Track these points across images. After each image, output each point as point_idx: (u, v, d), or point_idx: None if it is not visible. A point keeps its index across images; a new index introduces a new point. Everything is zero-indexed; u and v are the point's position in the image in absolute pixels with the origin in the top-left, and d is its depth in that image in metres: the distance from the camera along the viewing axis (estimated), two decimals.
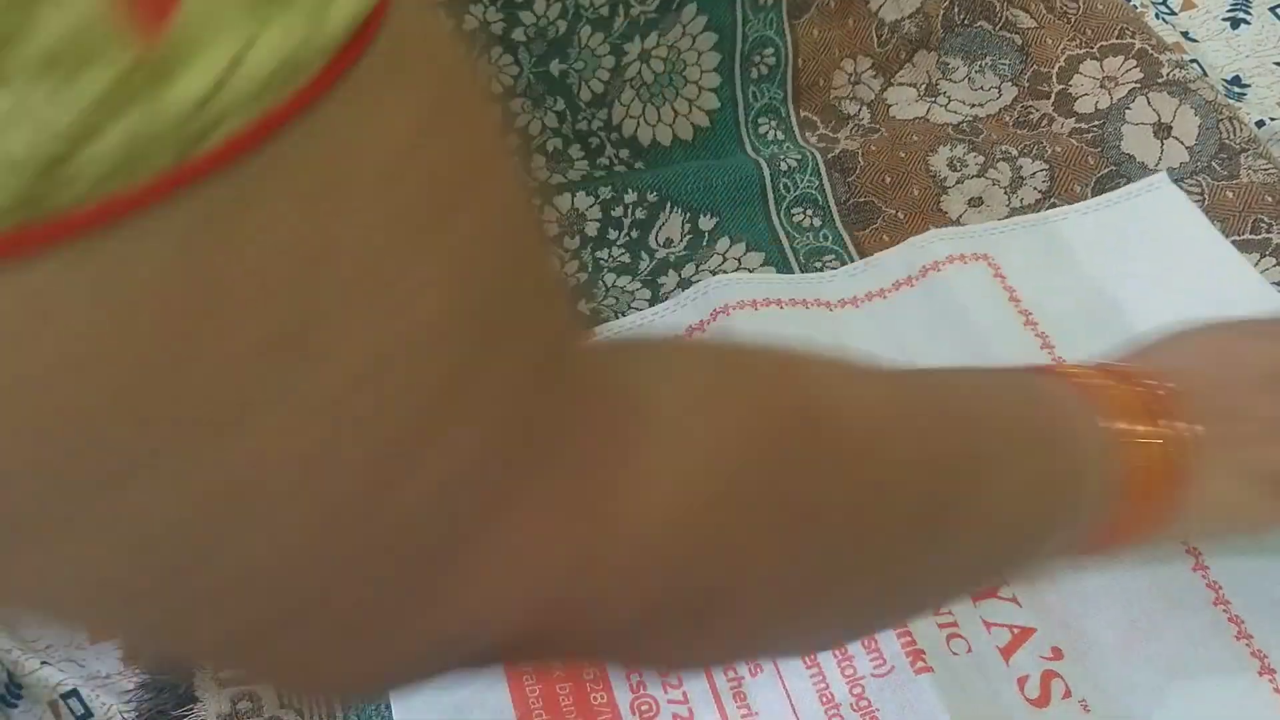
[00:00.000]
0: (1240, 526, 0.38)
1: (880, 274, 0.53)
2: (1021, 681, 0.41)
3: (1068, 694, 0.41)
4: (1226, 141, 0.54)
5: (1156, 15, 0.62)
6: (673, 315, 0.52)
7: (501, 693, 0.41)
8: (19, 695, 0.45)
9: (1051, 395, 0.33)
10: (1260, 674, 0.41)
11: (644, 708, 0.41)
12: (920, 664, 0.41)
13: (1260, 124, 0.56)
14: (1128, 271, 0.52)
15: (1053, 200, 0.55)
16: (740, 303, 0.51)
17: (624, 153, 0.57)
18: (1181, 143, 0.55)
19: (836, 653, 0.42)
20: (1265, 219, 0.52)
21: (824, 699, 0.41)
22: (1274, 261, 0.51)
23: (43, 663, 0.45)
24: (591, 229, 0.54)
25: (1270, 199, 0.52)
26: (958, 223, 0.54)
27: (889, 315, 0.52)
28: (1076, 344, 0.49)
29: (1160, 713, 0.40)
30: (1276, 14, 0.62)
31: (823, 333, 0.51)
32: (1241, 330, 0.40)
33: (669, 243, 0.54)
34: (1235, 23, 0.62)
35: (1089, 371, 0.35)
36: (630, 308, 0.52)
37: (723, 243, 0.54)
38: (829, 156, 0.56)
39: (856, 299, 0.52)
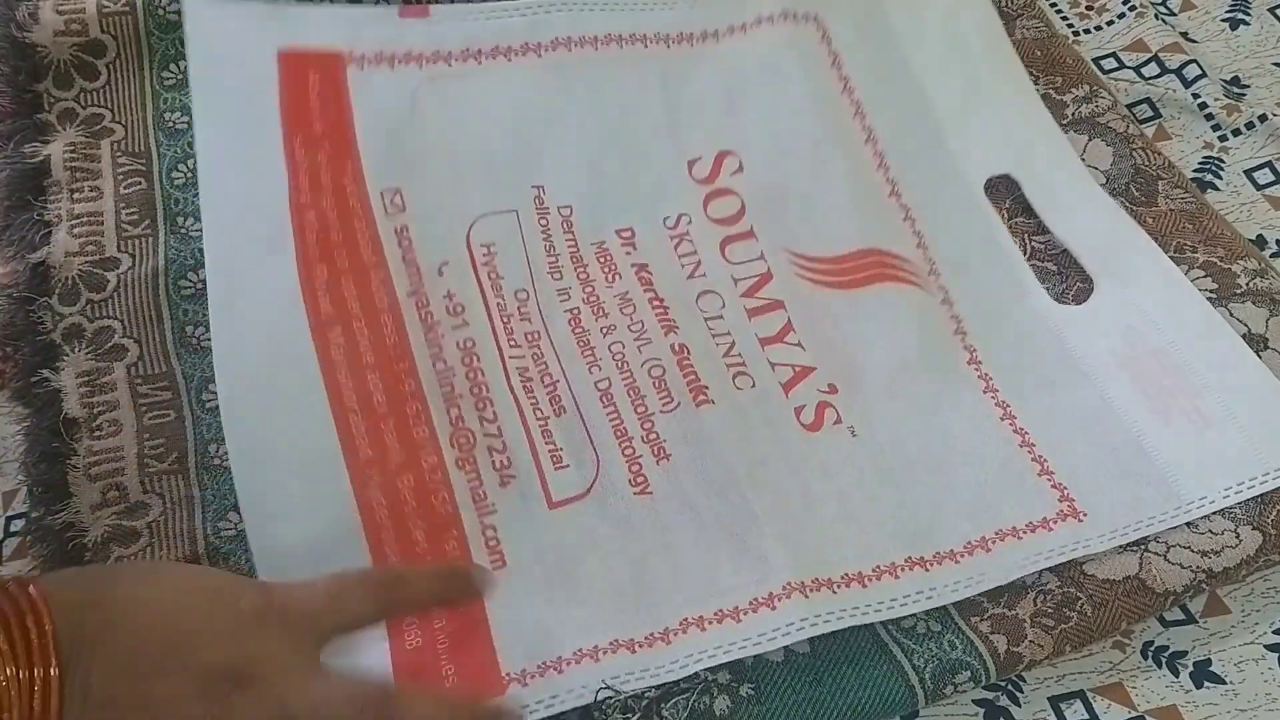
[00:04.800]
0: None
1: (720, 14, 0.56)
2: (798, 411, 0.48)
3: (838, 421, 0.48)
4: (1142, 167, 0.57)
5: (1156, 16, 0.64)
6: (510, 19, 0.53)
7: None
8: None
9: None
10: (1001, 419, 0.48)
11: (462, 440, 0.46)
12: (702, 398, 0.47)
13: (1263, 118, 0.59)
14: (937, 62, 0.57)
15: None
16: (581, 38, 0.54)
17: None
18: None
19: (630, 392, 0.47)
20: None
21: (618, 433, 0.46)
22: (1203, 273, 0.52)
23: None
24: None
25: (1190, 226, 0.54)
26: None
27: (719, 60, 0.55)
28: (887, 117, 0.55)
29: (914, 440, 0.47)
30: (1276, 14, 0.64)
31: (654, 74, 0.54)
32: (209, 583, 0.38)
33: None
34: (1234, 23, 0.64)
35: None
36: None
37: None
38: None
39: (692, 37, 0.56)
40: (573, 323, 0.49)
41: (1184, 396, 0.48)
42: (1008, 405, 0.48)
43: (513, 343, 0.48)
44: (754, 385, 0.48)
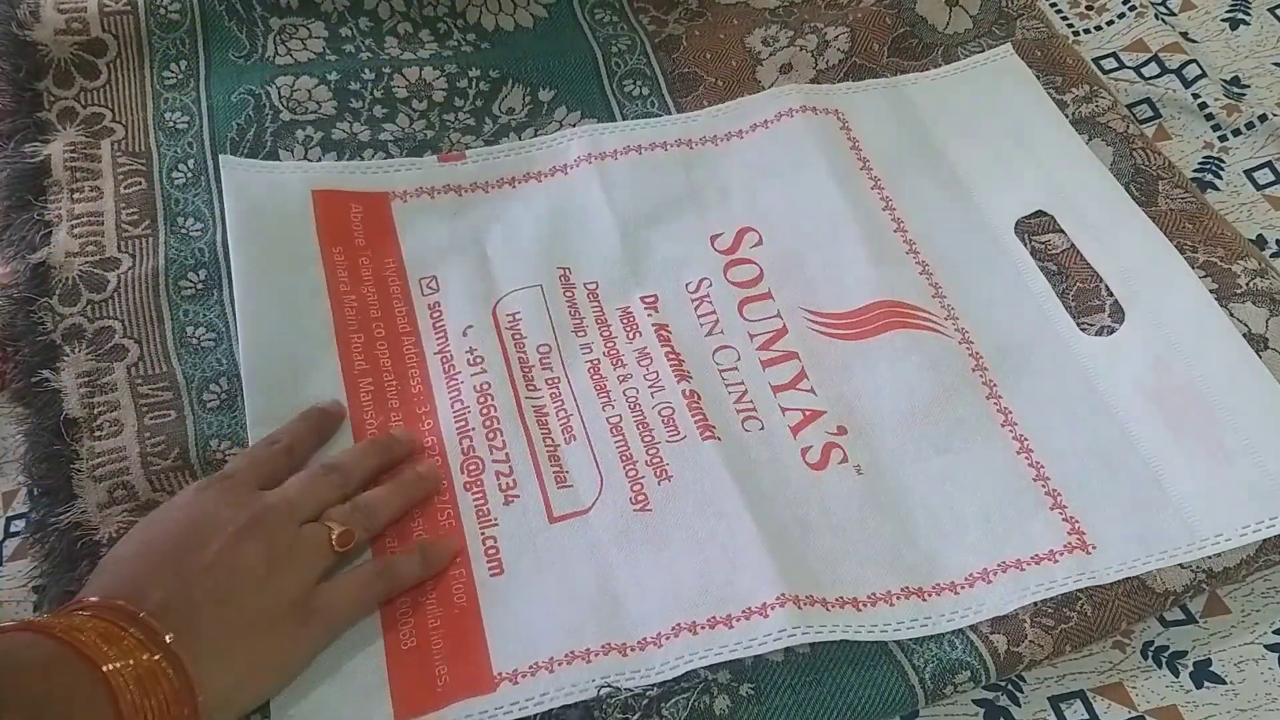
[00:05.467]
0: (290, 667, 0.41)
1: (740, 116, 0.59)
2: (804, 451, 0.48)
3: (844, 460, 0.48)
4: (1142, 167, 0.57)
5: (1156, 16, 0.63)
6: (537, 152, 0.57)
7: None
8: None
9: (33, 659, 0.35)
10: (1018, 453, 0.48)
11: (471, 467, 0.47)
12: (709, 434, 0.48)
13: (1263, 118, 0.59)
14: (963, 129, 0.59)
15: (854, 59, 0.61)
16: (602, 154, 0.57)
17: (470, 36, 0.61)
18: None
19: (639, 426, 0.48)
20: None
21: (624, 457, 0.47)
22: (1203, 273, 0.52)
23: None
24: (439, 95, 0.58)
25: (1190, 226, 0.54)
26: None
27: (743, 153, 0.58)
28: (906, 185, 0.56)
29: (923, 477, 0.47)
30: (1276, 14, 0.64)
31: (680, 166, 0.57)
32: (166, 507, 0.43)
33: (511, 111, 0.59)
34: (1234, 23, 0.63)
35: (60, 620, 0.37)
36: None
37: (560, 111, 0.59)
38: (656, 40, 0.62)
39: (717, 138, 0.58)
40: (592, 371, 0.50)
41: (1208, 431, 0.47)
42: (1025, 439, 0.48)
43: (531, 387, 0.50)
44: (762, 428, 0.49)
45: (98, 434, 0.47)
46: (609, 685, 0.40)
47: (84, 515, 0.44)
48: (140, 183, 0.53)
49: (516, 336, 0.51)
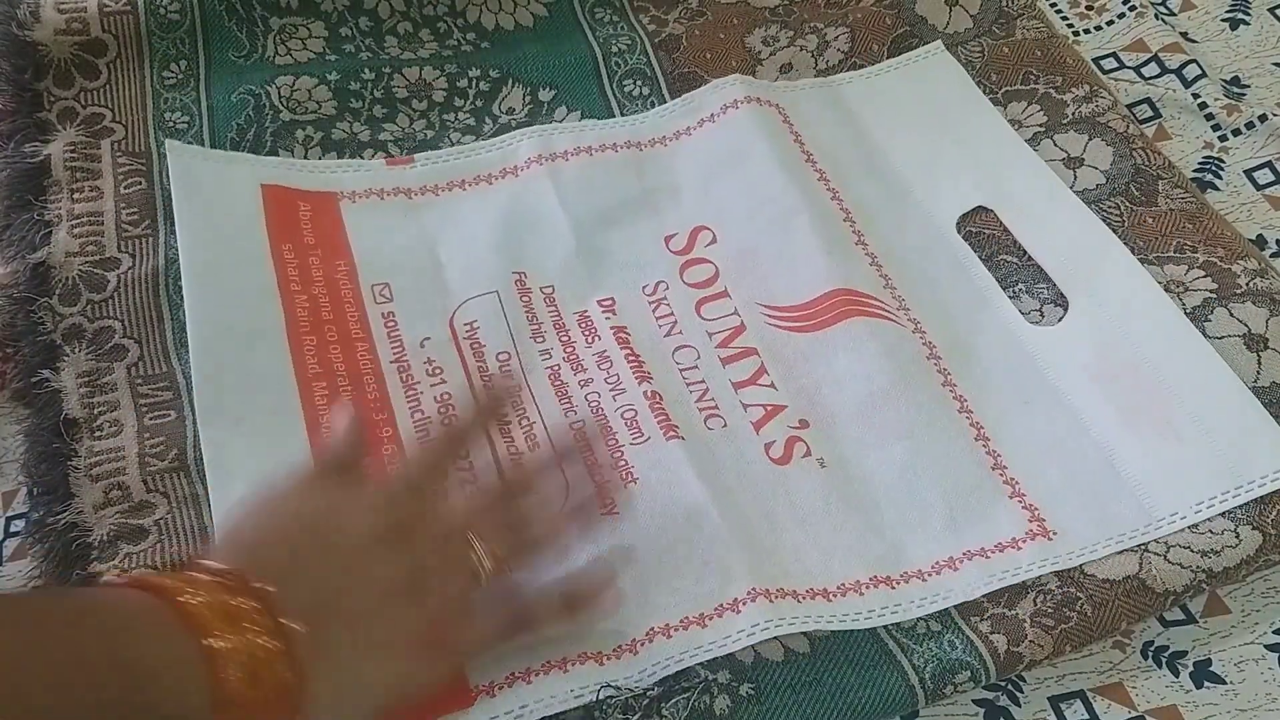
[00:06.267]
0: (402, 695, 0.38)
1: (688, 112, 0.59)
2: (768, 446, 0.48)
3: (808, 454, 0.48)
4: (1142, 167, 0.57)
5: (1156, 15, 0.64)
6: (486, 154, 0.57)
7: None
8: None
9: (127, 619, 0.32)
10: (975, 440, 0.48)
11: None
12: (672, 434, 0.48)
13: (1263, 118, 0.59)
14: (899, 127, 0.59)
15: (854, 60, 0.61)
16: (553, 154, 0.57)
17: (470, 36, 0.61)
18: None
19: (603, 430, 0.48)
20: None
21: (588, 462, 0.47)
22: (1203, 273, 0.52)
23: None
24: (439, 95, 0.58)
25: (1190, 226, 0.54)
26: None
27: (692, 150, 0.58)
28: (850, 180, 0.57)
29: (886, 467, 0.48)
30: (1276, 14, 0.64)
31: (631, 168, 0.57)
32: (293, 490, 0.40)
33: (511, 110, 0.59)
34: (1234, 23, 0.64)
35: (176, 582, 0.33)
36: None
37: (560, 111, 0.59)
38: (656, 40, 0.62)
39: (665, 138, 0.58)
40: (552, 377, 0.50)
41: (1157, 411, 0.48)
42: (982, 427, 0.49)
43: None
44: (725, 425, 0.49)
45: (97, 434, 0.47)
46: (609, 685, 0.40)
47: (80, 515, 0.44)
48: (140, 183, 0.53)
49: (475, 346, 0.51)
